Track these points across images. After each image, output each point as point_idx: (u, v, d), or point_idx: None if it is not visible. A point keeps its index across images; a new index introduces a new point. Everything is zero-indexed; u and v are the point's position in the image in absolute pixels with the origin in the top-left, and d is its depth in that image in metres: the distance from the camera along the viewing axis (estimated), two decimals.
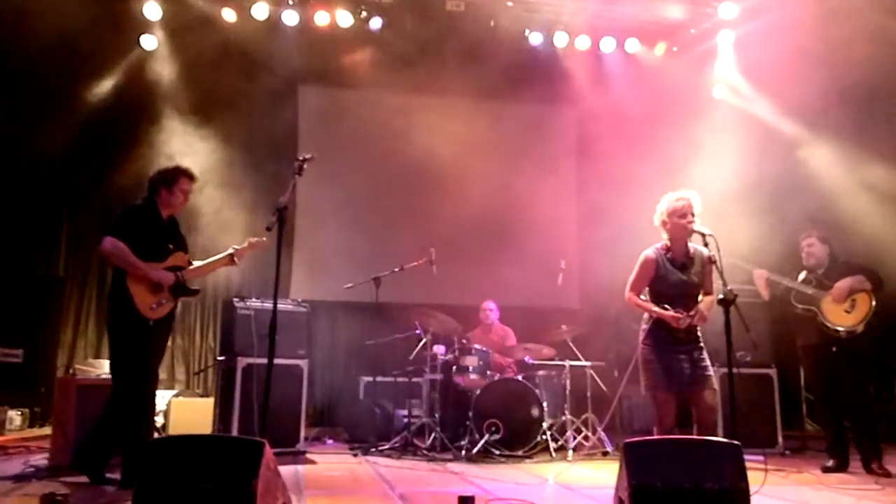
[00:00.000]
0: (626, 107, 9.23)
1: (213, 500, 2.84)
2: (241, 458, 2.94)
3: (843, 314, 5.64)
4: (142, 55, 8.53)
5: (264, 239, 5.01)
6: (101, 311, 8.70)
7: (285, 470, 5.28)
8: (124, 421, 4.55)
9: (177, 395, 7.22)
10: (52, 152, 8.14)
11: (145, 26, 8.34)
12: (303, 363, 6.48)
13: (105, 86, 8.43)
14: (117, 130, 8.58)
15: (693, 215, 4.43)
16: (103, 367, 6.73)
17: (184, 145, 8.27)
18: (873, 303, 5.59)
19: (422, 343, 7.31)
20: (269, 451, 3.03)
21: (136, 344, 4.59)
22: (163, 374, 8.57)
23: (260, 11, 8.22)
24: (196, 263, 4.97)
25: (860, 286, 5.63)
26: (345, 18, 8.46)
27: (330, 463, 5.99)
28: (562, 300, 8.86)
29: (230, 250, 5.04)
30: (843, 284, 5.65)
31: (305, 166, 4.36)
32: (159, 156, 8.18)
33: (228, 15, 8.25)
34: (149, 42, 8.42)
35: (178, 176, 4.84)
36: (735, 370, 4.11)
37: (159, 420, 6.79)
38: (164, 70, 8.57)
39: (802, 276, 5.89)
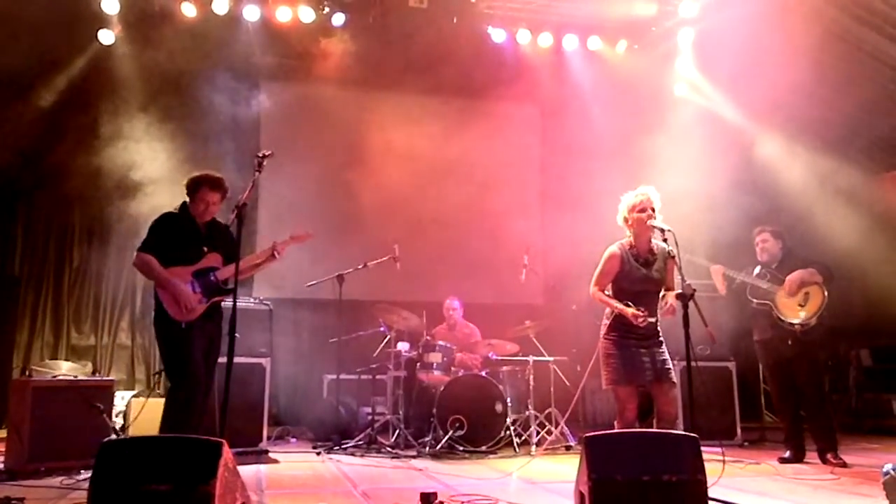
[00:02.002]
0: (589, 105, 9.30)
1: (171, 502, 2.80)
2: (199, 459, 2.90)
3: (796, 308, 5.76)
4: (99, 50, 8.35)
5: (309, 232, 5.15)
6: (58, 310, 8.54)
7: (247, 470, 5.26)
8: (175, 423, 4.53)
9: (137, 396, 7.12)
10: (5, 149, 7.95)
11: (103, 21, 8.17)
12: (265, 361, 6.44)
13: (61, 81, 8.24)
14: (73, 127, 8.39)
15: (653, 209, 4.49)
16: (60, 368, 6.62)
17: (142, 143, 8.13)
18: (825, 295, 5.70)
19: (386, 340, 7.30)
20: (227, 450, 3.00)
21: (171, 346, 4.68)
22: (122, 374, 8.45)
23: (220, 6, 8.10)
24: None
25: (811, 279, 5.74)
26: (307, 14, 8.37)
27: (292, 462, 5.95)
28: (525, 296, 8.90)
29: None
30: (794, 277, 5.76)
31: (265, 163, 4.33)
32: (117, 153, 8.05)
33: (188, 10, 8.11)
34: (106, 37, 8.25)
35: (198, 185, 4.86)
36: (694, 364, 4.17)
37: (119, 421, 6.69)
38: (122, 65, 8.39)
39: (757, 270, 5.99)
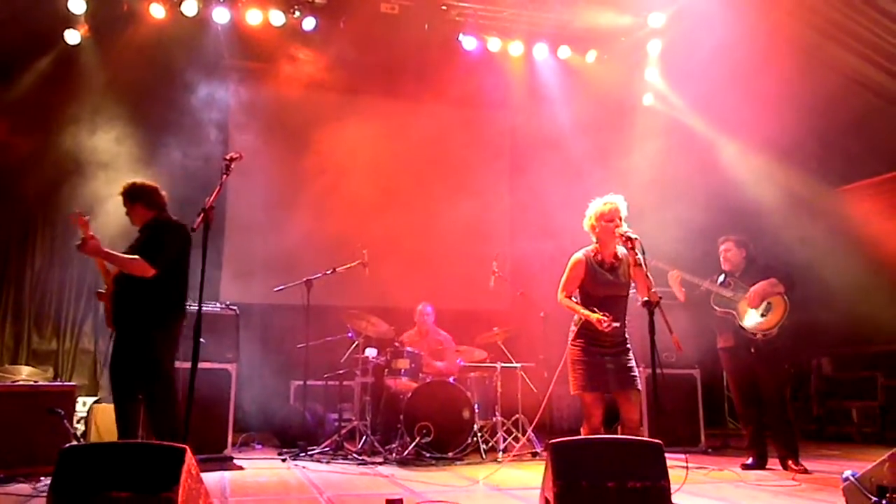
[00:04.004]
0: (559, 112, 9.39)
1: None
2: (161, 465, 2.86)
3: (759, 317, 5.84)
4: (65, 50, 8.23)
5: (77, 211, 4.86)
6: (19, 314, 8.37)
7: (211, 476, 5.21)
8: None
9: (98, 401, 6.99)
10: None
11: (69, 21, 8.06)
12: (231, 367, 6.37)
13: (25, 81, 8.12)
14: (36, 129, 8.24)
15: (620, 219, 4.54)
16: (20, 373, 6.51)
17: (108, 146, 8.02)
18: (787, 304, 5.79)
19: (354, 346, 7.27)
20: (190, 457, 2.96)
21: None
22: (84, 380, 8.30)
23: (189, 8, 8.04)
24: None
25: (773, 290, 5.83)
26: (277, 17, 8.34)
27: (258, 468, 5.89)
28: (494, 302, 8.93)
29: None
30: (757, 290, 5.84)
31: (233, 166, 4.29)
32: (81, 156, 7.94)
33: (156, 11, 8.04)
34: (72, 37, 8.13)
35: None
36: (659, 371, 4.21)
37: (80, 427, 6.58)
38: (89, 66, 8.30)
39: (721, 279, 6.06)
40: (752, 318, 5.85)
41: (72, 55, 8.26)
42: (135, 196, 4.93)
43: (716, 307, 6.00)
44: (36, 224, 8.60)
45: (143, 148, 8.25)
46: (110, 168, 7.87)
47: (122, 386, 4.70)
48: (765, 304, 5.84)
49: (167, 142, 8.48)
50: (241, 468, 5.86)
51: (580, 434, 4.48)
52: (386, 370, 6.92)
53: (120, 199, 5.07)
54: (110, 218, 7.36)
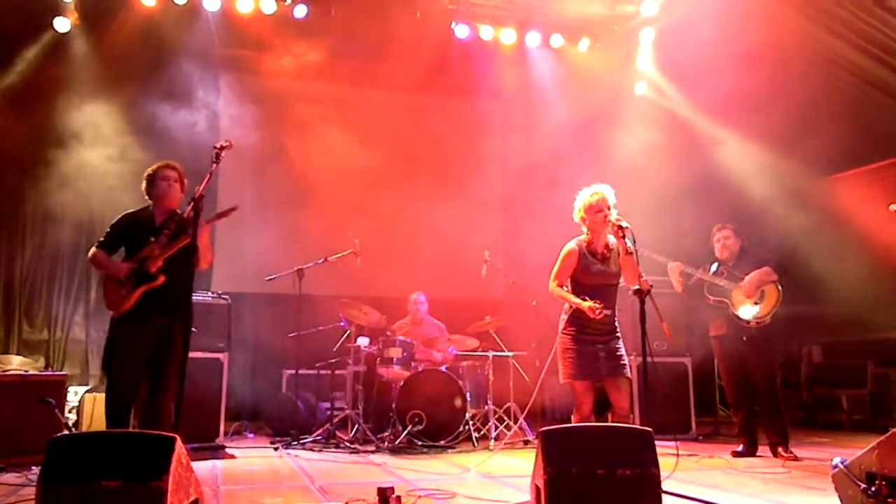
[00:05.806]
0: (552, 101, 9.36)
1: (122, 499, 2.76)
2: (151, 454, 2.86)
3: (752, 305, 5.86)
4: (55, 38, 8.17)
5: (234, 205, 4.78)
6: (10, 304, 8.34)
7: (203, 465, 5.22)
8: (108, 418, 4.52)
9: (90, 391, 6.98)
10: None
11: (59, 9, 7.99)
12: (223, 356, 6.37)
13: (13, 70, 8.05)
14: (25, 118, 8.16)
15: (609, 208, 4.54)
16: (11, 363, 6.50)
17: (97, 136, 7.97)
18: (780, 293, 5.82)
19: (345, 335, 7.27)
20: (180, 445, 2.96)
21: (108, 339, 4.73)
22: (76, 369, 8.29)
23: None
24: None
25: (768, 278, 5.86)
26: (268, 5, 8.28)
27: (249, 457, 5.90)
28: (486, 291, 8.93)
29: None
30: (752, 279, 5.87)
31: (223, 154, 4.26)
32: (71, 145, 7.90)
33: None
34: (62, 25, 8.07)
35: (156, 169, 4.92)
36: (650, 359, 4.22)
37: (71, 416, 6.58)
38: (78, 54, 8.24)
39: (714, 268, 6.08)
40: (745, 307, 5.87)
41: (62, 43, 8.19)
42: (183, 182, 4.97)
43: (709, 296, 6.02)
44: (26, 214, 8.55)
45: (134, 136, 8.21)
46: (100, 157, 7.83)
47: (135, 378, 4.54)
48: (759, 292, 5.87)
49: (157, 130, 8.43)
50: (232, 457, 5.87)
51: (571, 422, 4.51)
52: (378, 359, 6.93)
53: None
54: (100, 204, 7.33)
